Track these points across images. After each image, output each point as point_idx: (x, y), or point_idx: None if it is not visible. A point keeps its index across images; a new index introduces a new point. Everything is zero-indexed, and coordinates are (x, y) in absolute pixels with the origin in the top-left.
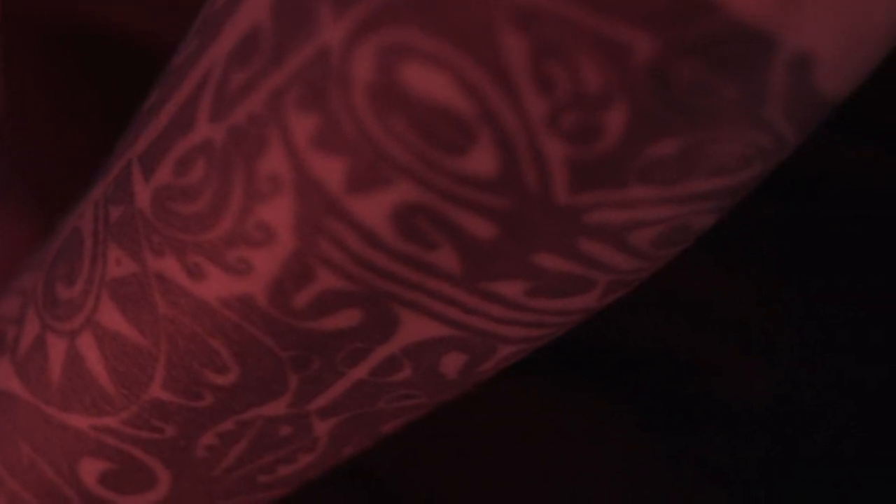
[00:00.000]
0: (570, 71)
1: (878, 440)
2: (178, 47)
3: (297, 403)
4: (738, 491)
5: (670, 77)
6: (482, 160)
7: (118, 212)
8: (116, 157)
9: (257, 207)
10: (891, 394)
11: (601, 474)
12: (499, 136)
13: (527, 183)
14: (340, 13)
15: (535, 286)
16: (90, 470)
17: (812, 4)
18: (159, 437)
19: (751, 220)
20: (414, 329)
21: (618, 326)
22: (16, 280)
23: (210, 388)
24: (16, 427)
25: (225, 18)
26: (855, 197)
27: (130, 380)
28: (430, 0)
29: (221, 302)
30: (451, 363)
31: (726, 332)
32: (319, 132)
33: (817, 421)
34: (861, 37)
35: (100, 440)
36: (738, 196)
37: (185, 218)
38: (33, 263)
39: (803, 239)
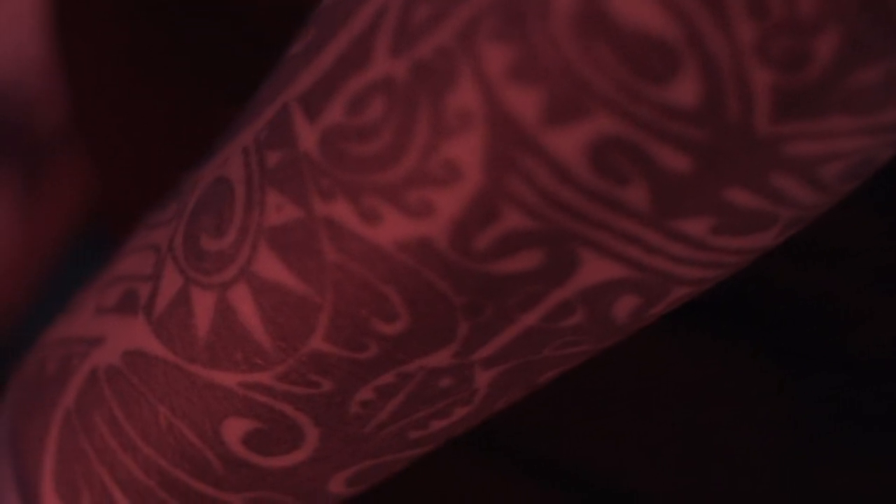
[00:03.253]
0: None
1: None
2: None
3: (463, 353)
4: (888, 438)
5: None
6: (686, 89)
7: (277, 156)
8: (265, 102)
9: (444, 144)
10: None
11: (748, 424)
12: (705, 63)
13: (729, 113)
14: None
15: (720, 223)
16: (235, 430)
17: None
18: (314, 393)
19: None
20: (592, 271)
21: (760, 275)
22: (137, 238)
23: (376, 337)
24: (152, 389)
25: None
26: None
27: (289, 332)
28: None
29: (398, 246)
30: (624, 307)
31: (871, 277)
32: (515, 63)
33: None
34: None
35: (249, 398)
36: None
37: (361, 159)
38: (158, 219)
39: None
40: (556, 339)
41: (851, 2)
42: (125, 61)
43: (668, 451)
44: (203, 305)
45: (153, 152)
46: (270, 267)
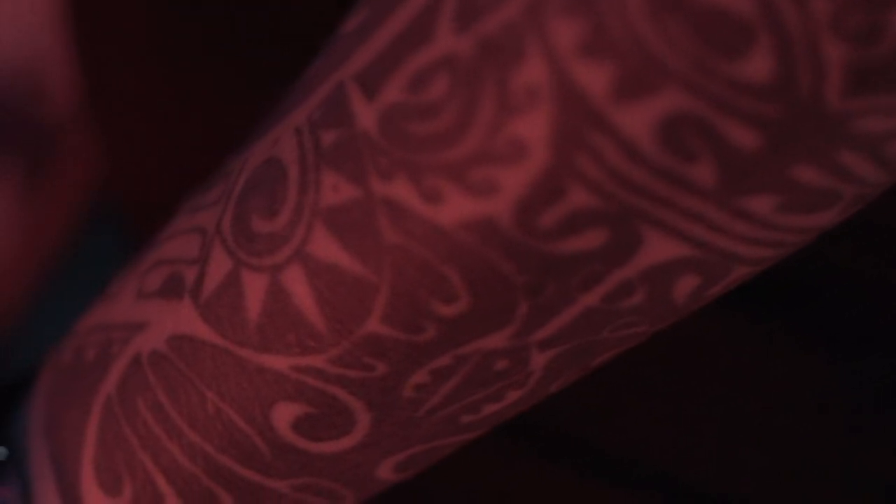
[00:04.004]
0: None
1: None
2: None
3: (521, 334)
4: None
5: None
6: (758, 64)
7: (332, 136)
8: (317, 81)
9: (510, 122)
10: None
11: (792, 408)
12: (779, 38)
13: (800, 89)
14: None
15: (785, 201)
16: (285, 416)
17: None
18: (368, 376)
19: None
20: (655, 250)
21: (809, 256)
22: (179, 221)
23: (434, 319)
24: (200, 374)
25: None
26: None
27: (344, 314)
28: None
29: (460, 226)
30: (684, 286)
31: None
32: (585, 38)
33: None
34: None
35: (300, 382)
36: None
37: (423, 137)
38: (201, 202)
39: None
40: (615, 319)
41: None
42: (143, 46)
43: (709, 435)
44: (254, 288)
45: (171, 137)
46: (326, 248)
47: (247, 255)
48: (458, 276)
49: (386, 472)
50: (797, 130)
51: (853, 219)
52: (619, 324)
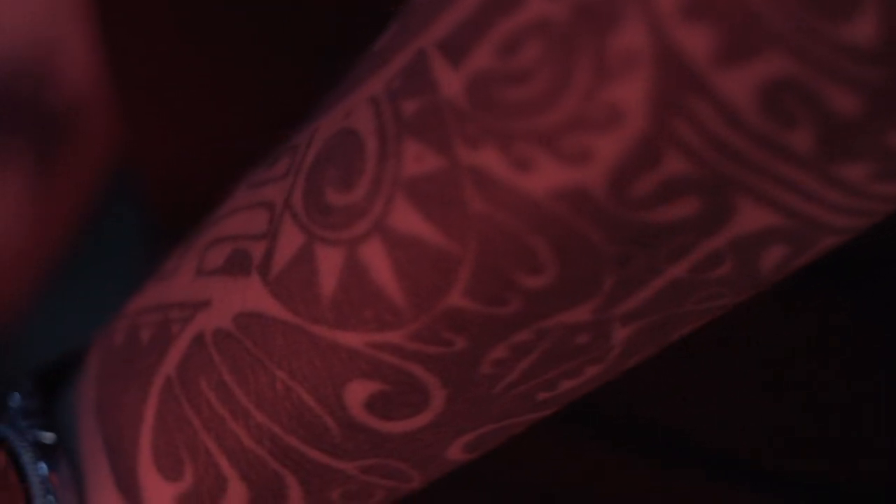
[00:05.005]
0: None
1: None
2: None
3: (605, 307)
4: None
5: None
6: (864, 28)
7: (414, 104)
8: (392, 50)
9: (606, 87)
10: None
11: (849, 378)
12: (884, 0)
13: None
14: None
15: (879, 169)
16: (358, 394)
17: None
18: (446, 352)
19: None
20: (747, 219)
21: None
22: (240, 197)
23: (518, 292)
24: (269, 352)
25: None
26: None
27: (425, 287)
28: None
29: (551, 194)
30: (772, 257)
31: None
32: (687, 0)
33: None
34: None
35: (376, 359)
36: None
37: (513, 104)
38: (265, 177)
39: None
40: (700, 291)
41: None
42: (167, 23)
43: (761, 407)
44: (329, 262)
45: (195, 115)
46: (408, 219)
47: (321, 229)
48: (545, 247)
49: (456, 451)
50: None
51: None
52: (704, 295)
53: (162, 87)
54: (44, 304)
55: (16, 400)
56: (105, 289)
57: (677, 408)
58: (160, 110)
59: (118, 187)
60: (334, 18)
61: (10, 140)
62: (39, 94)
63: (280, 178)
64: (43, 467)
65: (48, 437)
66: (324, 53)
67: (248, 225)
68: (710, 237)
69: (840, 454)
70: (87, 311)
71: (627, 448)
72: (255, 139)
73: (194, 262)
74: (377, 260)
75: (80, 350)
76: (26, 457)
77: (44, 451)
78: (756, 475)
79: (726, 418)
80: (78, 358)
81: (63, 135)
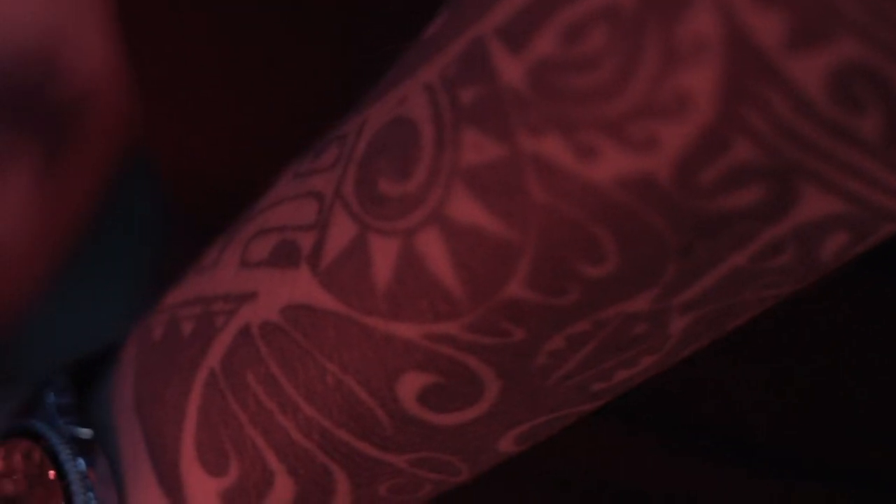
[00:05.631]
0: None
1: None
2: None
3: (664, 297)
4: None
5: None
6: None
7: (472, 92)
8: (448, 36)
9: (675, 74)
10: None
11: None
12: None
13: None
14: None
15: None
16: (411, 386)
17: None
18: (502, 343)
19: None
20: (811, 206)
21: None
22: (286, 187)
23: (579, 281)
24: (320, 345)
25: None
26: None
27: (483, 278)
28: None
29: (615, 182)
30: (833, 245)
31: None
32: None
33: None
34: None
35: (431, 350)
36: None
37: (578, 91)
38: (312, 167)
39: None
40: (760, 280)
41: None
42: (186, 8)
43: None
44: (384, 253)
45: (214, 103)
46: (466, 208)
47: (375, 220)
48: (608, 236)
49: (507, 443)
50: None
51: None
52: (762, 284)
53: (178, 76)
54: (52, 299)
55: (50, 396)
56: (111, 286)
57: (729, 401)
58: (176, 97)
59: (127, 183)
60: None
61: (17, 135)
62: (46, 88)
63: (328, 169)
64: (81, 463)
65: (85, 432)
66: (338, 38)
67: (296, 216)
68: (773, 225)
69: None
70: (94, 307)
71: (680, 445)
72: (274, 126)
73: (237, 254)
74: (434, 250)
75: (111, 345)
76: (64, 453)
77: (81, 447)
78: (818, 468)
79: (778, 413)
80: (110, 353)
81: (71, 129)
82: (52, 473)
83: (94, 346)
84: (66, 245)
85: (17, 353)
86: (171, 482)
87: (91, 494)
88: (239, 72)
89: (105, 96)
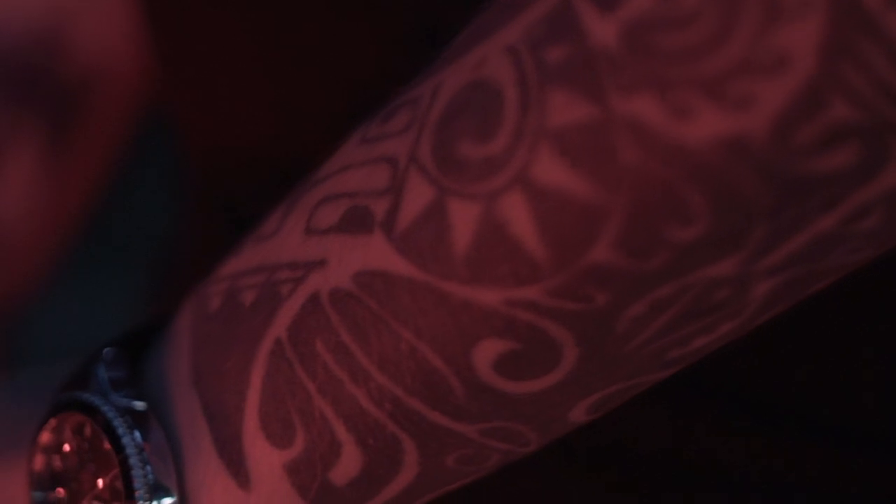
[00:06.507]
0: None
1: None
2: None
3: (750, 261)
4: None
5: None
6: None
7: (560, 53)
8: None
9: (775, 31)
10: None
11: None
12: None
13: None
14: None
15: None
16: (488, 353)
17: None
18: (584, 309)
19: None
20: None
21: None
22: (353, 153)
23: (666, 245)
24: (394, 312)
25: None
26: None
27: (568, 241)
28: None
29: (709, 143)
30: None
31: None
32: None
33: None
34: None
35: (511, 316)
36: None
37: (673, 50)
38: (382, 131)
39: None
40: (844, 244)
41: None
42: None
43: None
44: (464, 217)
45: (240, 78)
46: (553, 170)
47: (454, 183)
48: (699, 198)
49: (579, 413)
50: None
51: None
52: (847, 248)
53: (206, 48)
54: (60, 280)
55: (101, 369)
56: (121, 266)
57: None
58: (205, 68)
59: (139, 160)
60: None
61: (21, 112)
62: (52, 64)
63: (401, 133)
64: (138, 435)
65: (139, 405)
66: (375, 8)
67: (367, 181)
68: (862, 187)
69: None
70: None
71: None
72: (307, 99)
73: (303, 221)
74: (517, 213)
75: (161, 316)
76: (121, 426)
77: (136, 420)
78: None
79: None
80: (160, 324)
81: (78, 106)
82: (106, 446)
83: (102, 328)
84: (73, 223)
85: (25, 336)
86: (232, 454)
87: (149, 468)
88: (270, 44)
89: (117, 73)
